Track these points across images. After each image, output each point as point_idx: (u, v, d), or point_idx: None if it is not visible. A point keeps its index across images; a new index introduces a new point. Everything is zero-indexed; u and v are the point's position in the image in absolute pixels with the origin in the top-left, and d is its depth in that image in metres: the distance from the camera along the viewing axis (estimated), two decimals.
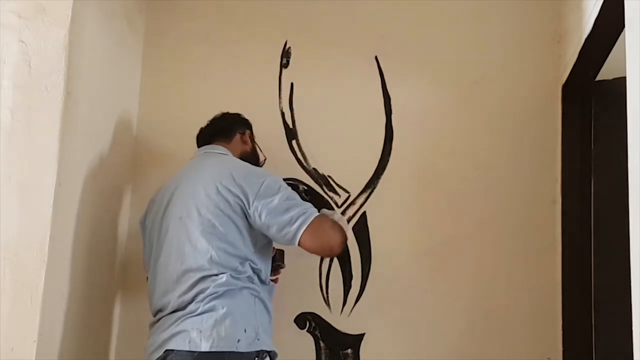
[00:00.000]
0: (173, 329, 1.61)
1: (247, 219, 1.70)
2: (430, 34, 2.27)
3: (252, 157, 1.97)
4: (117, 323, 2.18)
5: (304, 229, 1.68)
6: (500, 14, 2.24)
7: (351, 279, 2.20)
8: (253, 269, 1.71)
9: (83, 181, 1.85)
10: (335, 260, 2.21)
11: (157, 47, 2.35)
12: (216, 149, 1.88)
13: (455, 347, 2.11)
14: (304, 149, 2.27)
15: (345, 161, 2.25)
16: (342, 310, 2.19)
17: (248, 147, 1.98)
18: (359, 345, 2.16)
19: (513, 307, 2.10)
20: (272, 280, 1.88)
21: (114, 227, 2.11)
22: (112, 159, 2.10)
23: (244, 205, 1.69)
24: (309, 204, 1.75)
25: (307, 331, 2.18)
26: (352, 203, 2.23)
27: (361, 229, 2.21)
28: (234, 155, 1.89)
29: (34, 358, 1.57)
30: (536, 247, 2.11)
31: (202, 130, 1.98)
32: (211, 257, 1.65)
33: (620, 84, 1.31)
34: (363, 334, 2.17)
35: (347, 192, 2.24)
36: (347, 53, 2.28)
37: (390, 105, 2.25)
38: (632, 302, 1.10)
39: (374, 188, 2.23)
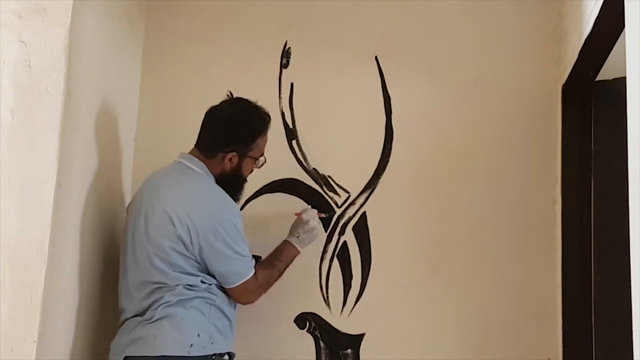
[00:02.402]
0: (132, 335, 1.72)
1: (189, 251, 1.75)
2: (430, 34, 2.27)
3: (228, 179, 1.86)
4: (117, 323, 2.17)
5: (235, 285, 1.79)
6: (500, 14, 2.24)
7: (351, 279, 2.20)
8: (208, 283, 1.78)
9: (83, 181, 1.85)
10: (335, 260, 2.21)
11: (157, 47, 2.35)
12: (194, 163, 1.84)
13: (455, 347, 2.11)
14: (304, 149, 2.27)
15: (345, 161, 2.25)
16: (342, 310, 2.19)
17: (229, 167, 1.85)
18: (359, 345, 2.16)
19: (513, 307, 2.10)
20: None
21: (113, 227, 2.11)
22: (112, 159, 2.09)
23: (190, 240, 1.73)
24: (249, 262, 1.82)
25: (307, 331, 2.18)
26: (352, 203, 2.23)
27: (361, 229, 2.22)
28: (213, 171, 1.85)
29: (34, 358, 1.57)
30: (536, 247, 2.11)
31: (205, 119, 1.88)
32: (166, 272, 1.73)
33: (620, 84, 1.31)
34: (363, 334, 2.17)
35: (347, 192, 2.24)
36: (347, 53, 2.28)
37: (390, 105, 2.25)
38: (632, 302, 1.10)
39: (374, 188, 2.23)
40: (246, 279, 1.79)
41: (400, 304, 2.16)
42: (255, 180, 2.23)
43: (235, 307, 1.86)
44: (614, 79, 1.96)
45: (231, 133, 1.85)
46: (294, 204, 2.20)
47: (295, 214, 2.06)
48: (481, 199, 2.16)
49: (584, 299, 1.95)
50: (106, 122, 2.04)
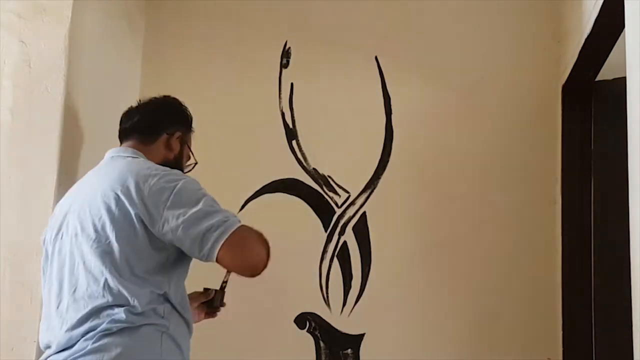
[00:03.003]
0: None
1: (150, 233, 1.35)
2: (431, 34, 2.27)
3: (173, 166, 1.53)
4: None
5: (222, 241, 1.32)
6: (501, 14, 2.24)
7: (351, 279, 2.20)
8: (159, 296, 1.37)
9: None
10: (335, 260, 2.21)
11: (157, 47, 2.35)
12: (127, 152, 1.52)
13: (455, 347, 2.11)
14: (304, 149, 2.26)
15: (345, 161, 2.25)
16: (342, 310, 2.19)
17: (172, 154, 1.57)
18: (359, 345, 2.16)
19: (513, 307, 2.10)
20: (210, 316, 1.63)
21: None
22: None
23: (148, 217, 1.34)
24: (230, 212, 1.39)
25: (307, 331, 2.18)
26: (352, 203, 2.23)
27: (361, 229, 2.21)
28: (151, 159, 1.52)
29: (34, 358, 1.57)
30: (536, 247, 2.11)
31: (122, 122, 1.60)
32: (106, 281, 1.33)
33: (620, 84, 1.31)
34: (363, 334, 2.17)
35: (347, 192, 2.24)
36: (347, 53, 2.28)
37: (390, 105, 2.25)
38: (632, 302, 1.10)
39: (374, 188, 2.23)
40: (237, 225, 1.35)
41: (400, 304, 2.16)
42: (255, 180, 2.23)
43: (190, 335, 1.46)
44: (614, 79, 1.96)
45: (173, 112, 1.61)
46: (294, 204, 2.20)
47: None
48: (481, 199, 2.16)
49: (584, 299, 1.95)
50: (106, 122, 2.04)
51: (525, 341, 2.08)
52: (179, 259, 1.42)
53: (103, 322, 1.31)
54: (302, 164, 2.25)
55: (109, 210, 1.36)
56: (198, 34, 2.34)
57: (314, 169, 2.26)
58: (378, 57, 2.27)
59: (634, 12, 1.21)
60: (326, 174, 2.25)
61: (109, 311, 1.32)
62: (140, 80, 2.33)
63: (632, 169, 1.14)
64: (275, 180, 2.24)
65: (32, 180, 1.64)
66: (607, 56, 1.81)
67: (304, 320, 2.19)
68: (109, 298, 1.33)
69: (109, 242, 1.35)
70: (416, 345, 2.13)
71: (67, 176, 1.70)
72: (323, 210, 2.23)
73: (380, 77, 2.27)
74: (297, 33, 2.32)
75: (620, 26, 1.45)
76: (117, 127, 2.13)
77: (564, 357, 2.00)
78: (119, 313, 1.31)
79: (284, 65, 2.32)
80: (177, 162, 1.58)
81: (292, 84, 2.29)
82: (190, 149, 1.63)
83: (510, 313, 2.10)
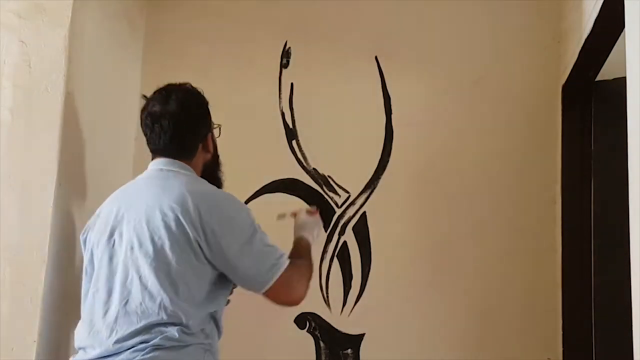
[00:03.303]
0: None
1: (206, 258, 1.43)
2: (430, 34, 2.27)
3: (213, 166, 1.67)
4: None
5: (274, 280, 1.45)
6: (500, 14, 2.24)
7: (351, 279, 2.20)
8: (208, 315, 1.46)
9: (83, 181, 1.85)
10: (335, 260, 2.21)
11: (157, 47, 2.35)
12: (175, 165, 1.56)
13: (455, 347, 2.11)
14: (304, 149, 2.27)
15: (345, 161, 2.25)
16: (342, 310, 2.19)
17: (209, 154, 1.65)
18: (359, 345, 2.16)
19: (513, 307, 2.10)
20: None
21: None
22: (112, 159, 2.09)
23: (206, 243, 1.42)
24: (279, 250, 1.51)
25: (307, 331, 2.18)
26: (352, 203, 2.23)
27: (361, 229, 2.22)
28: (196, 169, 1.59)
29: (34, 358, 1.57)
30: (536, 247, 2.11)
31: (154, 130, 1.58)
32: (162, 300, 1.38)
33: (620, 84, 1.31)
34: (363, 334, 2.17)
35: (347, 192, 2.24)
36: (347, 53, 2.28)
37: (390, 105, 2.25)
38: (632, 302, 1.10)
39: (374, 188, 2.23)
40: (286, 265, 1.48)
41: (400, 304, 2.16)
42: (255, 180, 2.23)
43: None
44: (614, 79, 1.96)
45: (203, 117, 1.63)
46: (294, 204, 2.20)
47: (293, 214, 1.87)
48: (481, 198, 2.16)
49: (584, 299, 1.95)
50: (106, 122, 2.04)
51: (525, 341, 2.08)
52: (226, 279, 1.49)
53: (155, 338, 1.36)
54: (302, 164, 2.25)
55: (169, 230, 1.41)
56: (198, 34, 2.34)
57: (314, 169, 2.26)
58: (378, 57, 2.28)
59: (634, 12, 1.21)
60: (326, 174, 2.25)
61: (162, 328, 1.38)
62: (140, 80, 2.33)
63: (632, 169, 1.14)
64: (275, 180, 2.24)
65: (32, 180, 1.64)
66: (607, 56, 1.81)
67: (304, 320, 2.19)
68: (163, 316, 1.38)
69: (168, 262, 1.40)
70: (416, 345, 2.13)
71: (67, 176, 1.70)
72: (323, 210, 2.23)
73: (380, 77, 2.27)
74: (297, 33, 2.32)
75: (620, 26, 1.44)
76: (118, 126, 2.14)
77: (564, 357, 2.00)
78: (172, 331, 1.37)
79: (284, 65, 2.32)
80: (215, 158, 1.67)
81: (292, 84, 2.29)
82: (214, 138, 1.68)
83: (510, 313, 2.10)
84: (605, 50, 1.78)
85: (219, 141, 1.70)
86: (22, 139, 1.65)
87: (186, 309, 1.39)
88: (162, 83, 2.20)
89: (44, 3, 1.68)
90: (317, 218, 1.87)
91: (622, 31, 1.50)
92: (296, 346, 2.16)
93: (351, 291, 2.19)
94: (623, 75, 1.23)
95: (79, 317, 1.84)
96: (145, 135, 1.62)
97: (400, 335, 2.15)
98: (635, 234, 1.10)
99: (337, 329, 2.18)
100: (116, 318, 1.41)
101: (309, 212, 1.85)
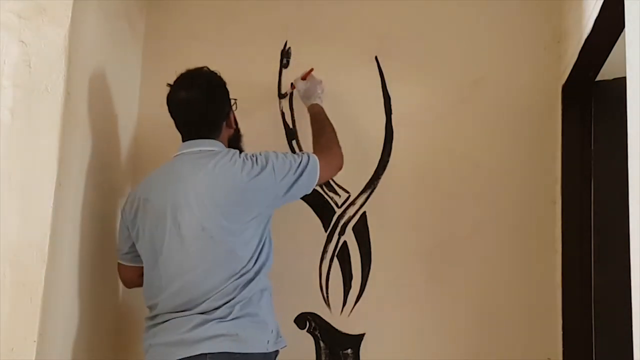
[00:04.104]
0: (207, 332, 1.62)
1: (270, 207, 1.77)
2: (430, 34, 2.27)
3: (236, 138, 1.94)
4: (117, 323, 2.18)
5: (317, 179, 1.82)
6: (500, 14, 2.24)
7: (351, 279, 2.20)
8: (267, 257, 1.77)
9: (83, 181, 1.85)
10: (335, 260, 2.21)
11: (157, 46, 2.35)
12: (208, 144, 1.80)
13: (455, 347, 2.11)
14: (304, 149, 2.27)
15: (345, 161, 2.25)
16: (342, 311, 2.19)
17: (233, 129, 1.91)
18: (359, 345, 2.16)
19: (513, 307, 2.10)
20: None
21: (113, 226, 2.11)
22: (112, 159, 2.10)
23: (271, 193, 1.74)
24: (299, 157, 1.81)
25: (307, 331, 2.18)
26: (352, 203, 2.23)
27: (361, 229, 2.21)
28: (224, 142, 1.86)
29: (34, 358, 1.57)
30: (536, 248, 2.11)
31: (184, 113, 1.83)
32: (242, 258, 1.69)
33: (620, 84, 1.31)
34: (363, 334, 2.17)
35: (347, 192, 2.24)
36: (347, 53, 2.28)
37: (390, 105, 2.25)
38: (632, 302, 1.10)
39: (374, 188, 2.23)
40: (316, 164, 1.81)
41: (400, 304, 2.16)
42: None
43: None
44: (614, 79, 1.96)
45: (218, 101, 1.85)
46: (294, 204, 2.19)
47: (292, 87, 2.20)
48: (481, 199, 2.16)
49: (584, 299, 1.95)
50: (106, 122, 2.04)
51: (525, 341, 2.08)
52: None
53: (241, 292, 1.67)
54: None
55: (237, 202, 1.70)
56: (198, 34, 2.34)
57: None
58: (378, 57, 2.28)
59: (634, 12, 1.21)
60: None
61: (245, 283, 1.68)
62: (140, 80, 2.33)
63: (632, 169, 1.14)
64: None
65: (32, 180, 1.64)
66: (607, 56, 1.81)
67: (304, 320, 2.19)
68: (244, 273, 1.69)
69: (242, 230, 1.69)
70: (416, 345, 2.13)
71: (67, 176, 1.70)
72: (323, 210, 2.24)
73: (380, 77, 2.27)
74: (297, 33, 2.32)
75: (620, 26, 1.45)
76: (118, 126, 2.14)
77: (564, 357, 2.00)
78: (251, 283, 1.70)
79: (284, 65, 2.32)
80: (237, 130, 1.94)
81: (292, 84, 2.29)
82: (234, 114, 1.93)
83: (510, 313, 2.10)
84: (605, 50, 1.77)
85: None
86: (22, 139, 1.65)
87: (259, 257, 1.77)
88: (162, 83, 2.21)
89: (44, 3, 1.67)
90: (313, 77, 2.15)
91: (622, 31, 1.51)
92: (296, 346, 2.16)
93: (351, 291, 2.19)
94: (623, 75, 1.23)
95: (79, 317, 1.85)
96: (175, 120, 1.84)
97: (400, 335, 2.15)
98: (635, 234, 1.10)
99: (337, 329, 2.18)
100: (206, 279, 1.70)
101: (303, 78, 2.15)
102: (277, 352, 1.74)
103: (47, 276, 1.61)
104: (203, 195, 1.69)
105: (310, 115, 2.08)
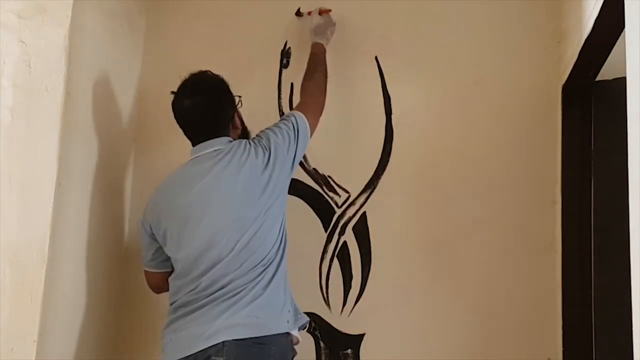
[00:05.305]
0: (232, 320, 1.66)
1: (286, 182, 1.87)
2: (430, 34, 2.27)
3: (244, 135, 1.98)
4: (117, 323, 2.18)
5: (307, 121, 1.92)
6: (500, 14, 2.24)
7: (351, 279, 2.20)
8: (287, 239, 1.85)
9: (83, 181, 1.85)
10: (335, 260, 2.21)
11: (157, 47, 2.35)
12: (219, 143, 1.83)
13: (455, 347, 2.11)
14: None
15: (345, 161, 2.25)
16: (342, 311, 2.19)
17: (239, 129, 1.96)
18: (359, 345, 2.16)
19: (513, 307, 2.10)
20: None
21: (114, 227, 2.11)
22: (112, 159, 2.10)
23: (285, 168, 1.83)
24: (290, 120, 1.90)
25: (307, 331, 2.18)
26: (352, 203, 2.23)
27: (361, 229, 2.21)
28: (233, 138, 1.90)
29: (34, 358, 1.57)
30: (536, 248, 2.11)
31: (189, 120, 1.86)
32: (269, 244, 1.75)
33: (620, 84, 1.31)
34: (363, 334, 2.17)
35: (347, 192, 2.24)
36: (347, 53, 2.28)
37: (390, 105, 2.25)
38: (632, 302, 1.10)
39: (374, 188, 2.23)
40: (303, 122, 1.90)
41: (400, 304, 2.16)
42: None
43: None
44: (614, 79, 1.95)
45: (223, 103, 1.89)
46: (293, 204, 2.20)
47: (309, 13, 2.24)
48: (481, 199, 2.16)
49: (584, 299, 1.95)
50: (106, 122, 2.04)
51: (525, 341, 2.08)
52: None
53: (256, 278, 1.72)
54: (302, 164, 2.25)
55: (262, 190, 1.76)
56: (198, 34, 2.34)
57: (314, 169, 2.26)
58: (378, 57, 2.27)
59: (634, 12, 1.21)
60: (326, 174, 2.25)
61: (270, 265, 1.75)
62: (140, 80, 2.33)
63: (632, 169, 1.14)
64: None
65: (32, 180, 1.64)
66: (607, 56, 1.81)
67: None
68: (269, 257, 1.76)
69: (263, 220, 1.74)
70: (416, 345, 2.13)
71: (67, 176, 1.71)
72: (323, 210, 2.24)
73: (380, 77, 2.27)
74: (297, 33, 2.32)
75: (620, 26, 1.44)
76: (118, 126, 2.14)
77: (564, 357, 2.00)
78: (267, 269, 1.75)
79: (284, 65, 2.32)
80: (244, 129, 1.98)
81: (292, 84, 2.29)
82: (239, 114, 1.98)
83: (510, 313, 2.10)
84: (605, 50, 1.77)
85: None
86: (22, 139, 1.65)
87: (280, 239, 1.85)
88: (162, 83, 2.22)
89: (44, 3, 1.68)
90: (329, 17, 2.20)
91: (622, 31, 1.50)
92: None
93: (351, 291, 2.19)
94: (623, 75, 1.22)
95: (79, 317, 1.85)
96: (182, 127, 1.86)
97: (400, 335, 2.15)
98: (635, 234, 1.10)
99: (337, 329, 2.18)
100: (230, 262, 1.74)
101: (322, 12, 2.20)
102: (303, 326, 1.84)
103: (47, 276, 1.61)
104: (230, 188, 1.74)
105: (311, 53, 2.14)
